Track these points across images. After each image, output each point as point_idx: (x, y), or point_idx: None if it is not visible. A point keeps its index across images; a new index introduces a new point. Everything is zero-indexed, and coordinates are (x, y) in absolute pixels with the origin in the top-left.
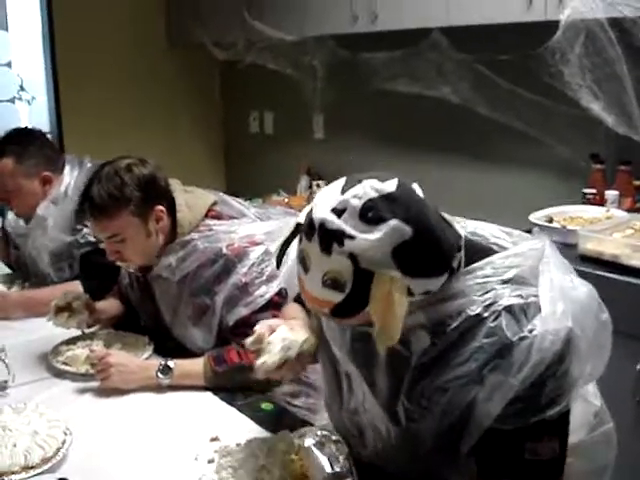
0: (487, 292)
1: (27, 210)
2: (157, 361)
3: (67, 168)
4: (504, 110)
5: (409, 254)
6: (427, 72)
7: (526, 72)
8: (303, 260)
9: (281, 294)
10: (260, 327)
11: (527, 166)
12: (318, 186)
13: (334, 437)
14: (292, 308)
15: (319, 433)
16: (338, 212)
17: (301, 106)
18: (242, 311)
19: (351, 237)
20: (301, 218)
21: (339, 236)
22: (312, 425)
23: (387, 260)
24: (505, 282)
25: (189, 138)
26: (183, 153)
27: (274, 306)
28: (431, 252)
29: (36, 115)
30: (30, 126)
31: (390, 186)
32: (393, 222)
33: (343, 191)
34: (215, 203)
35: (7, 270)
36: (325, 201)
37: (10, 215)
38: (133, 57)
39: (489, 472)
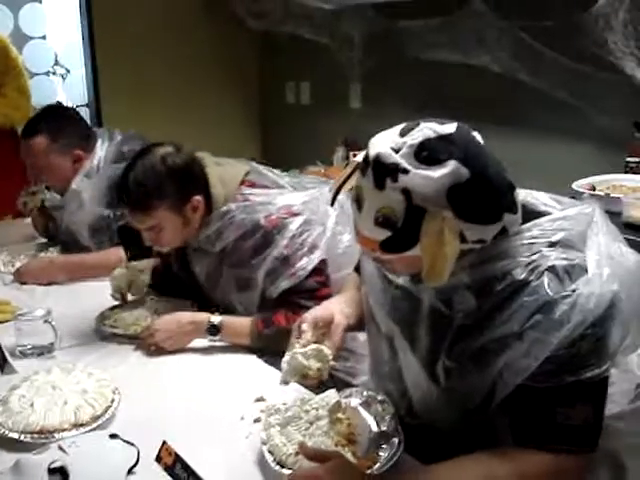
0: (533, 254)
1: (58, 185)
2: (205, 316)
3: (99, 142)
4: (546, 78)
5: (464, 196)
6: (466, 40)
7: (569, 39)
8: (357, 198)
9: (322, 260)
10: (305, 320)
11: (569, 135)
12: (355, 156)
13: (379, 397)
14: (350, 278)
15: (365, 393)
16: (395, 150)
17: (338, 76)
18: (285, 284)
19: (405, 171)
20: (359, 157)
21: (393, 171)
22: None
23: (441, 199)
24: (552, 244)
25: (226, 109)
26: (220, 124)
27: (316, 272)
28: (486, 197)
29: (71, 89)
30: (64, 103)
31: (449, 128)
32: (450, 162)
33: (402, 133)
34: (248, 173)
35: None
36: (383, 141)
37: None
38: (169, 27)
39: (523, 434)
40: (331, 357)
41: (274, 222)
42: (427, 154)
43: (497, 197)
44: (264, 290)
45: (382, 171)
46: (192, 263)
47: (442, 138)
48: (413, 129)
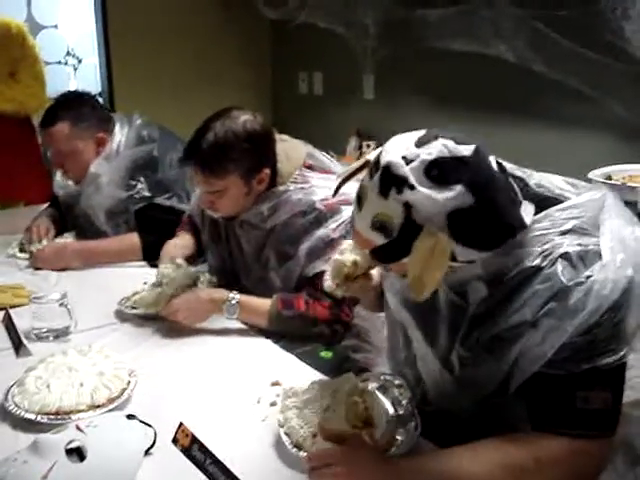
0: (545, 243)
1: (82, 172)
2: (224, 294)
3: (117, 126)
4: (562, 68)
5: (464, 222)
6: (482, 29)
7: (585, 28)
8: (360, 196)
9: None
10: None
11: (585, 125)
12: (368, 146)
13: (397, 381)
14: None
15: (382, 377)
16: (407, 161)
17: (351, 66)
18: (322, 266)
19: (412, 187)
20: (371, 155)
21: (400, 183)
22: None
23: (440, 220)
24: (564, 233)
25: (238, 99)
26: None
27: None
28: (486, 227)
29: (83, 78)
30: (79, 89)
31: (466, 150)
32: (457, 187)
33: (418, 144)
34: (307, 154)
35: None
36: (397, 147)
37: (58, 177)
38: (183, 16)
39: (541, 419)
40: None
41: (330, 206)
42: (437, 173)
43: (497, 228)
44: (302, 269)
45: (389, 180)
46: (237, 235)
47: (456, 159)
48: (430, 142)
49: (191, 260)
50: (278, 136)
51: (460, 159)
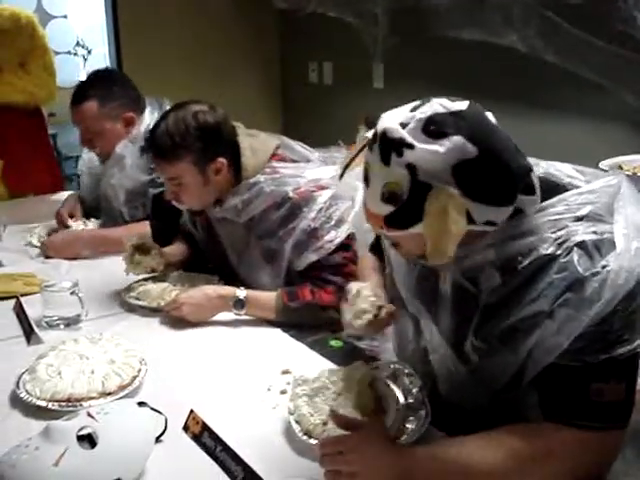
0: (560, 229)
1: (109, 149)
2: (231, 291)
3: (148, 109)
4: (573, 58)
5: (471, 174)
6: (493, 19)
7: (596, 17)
8: (365, 174)
9: (349, 236)
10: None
11: (596, 115)
12: None
13: (407, 370)
14: (366, 260)
15: (392, 366)
16: (403, 125)
17: (361, 55)
18: (312, 256)
19: (410, 146)
20: (370, 133)
21: (398, 145)
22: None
23: (446, 175)
24: (579, 219)
25: (247, 89)
26: (241, 104)
27: (343, 248)
28: (495, 177)
29: (93, 68)
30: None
31: (460, 105)
32: (456, 138)
33: (412, 109)
34: (278, 147)
35: None
36: (392, 116)
37: (85, 155)
38: (192, 7)
39: (553, 411)
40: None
41: (302, 194)
42: (434, 128)
43: (507, 178)
44: (291, 262)
45: (388, 146)
46: (219, 233)
47: (452, 113)
48: (424, 105)
49: (182, 265)
50: (247, 131)
51: (456, 113)
